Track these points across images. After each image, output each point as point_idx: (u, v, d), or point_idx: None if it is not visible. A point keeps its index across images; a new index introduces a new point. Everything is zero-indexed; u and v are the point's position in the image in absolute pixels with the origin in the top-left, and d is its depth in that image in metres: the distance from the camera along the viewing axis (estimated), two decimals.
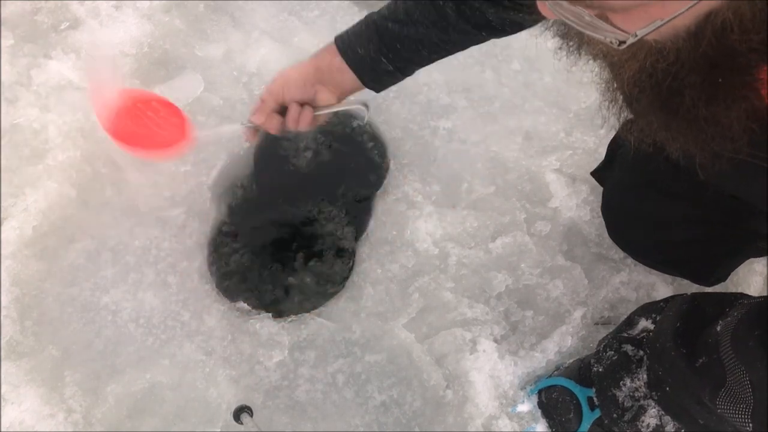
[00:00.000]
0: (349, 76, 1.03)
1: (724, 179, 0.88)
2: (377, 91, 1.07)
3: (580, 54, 0.72)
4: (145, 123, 1.12)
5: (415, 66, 1.04)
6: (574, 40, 0.72)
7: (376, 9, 1.63)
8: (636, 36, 0.56)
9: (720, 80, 0.61)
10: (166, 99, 1.16)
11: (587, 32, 0.59)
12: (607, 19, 0.56)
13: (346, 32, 1.02)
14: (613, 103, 0.74)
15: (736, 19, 0.55)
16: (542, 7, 0.60)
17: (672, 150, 0.72)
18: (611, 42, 0.58)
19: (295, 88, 1.04)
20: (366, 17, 1.01)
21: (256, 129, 1.10)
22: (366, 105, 1.07)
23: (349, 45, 1.01)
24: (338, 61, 1.02)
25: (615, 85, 0.71)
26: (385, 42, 0.99)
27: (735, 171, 0.77)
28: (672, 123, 0.68)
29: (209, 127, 1.17)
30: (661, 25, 0.55)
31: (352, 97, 1.08)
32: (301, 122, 1.05)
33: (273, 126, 1.07)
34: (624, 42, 0.57)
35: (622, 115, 0.73)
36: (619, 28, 0.56)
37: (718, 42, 0.57)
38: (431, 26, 0.96)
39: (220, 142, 1.41)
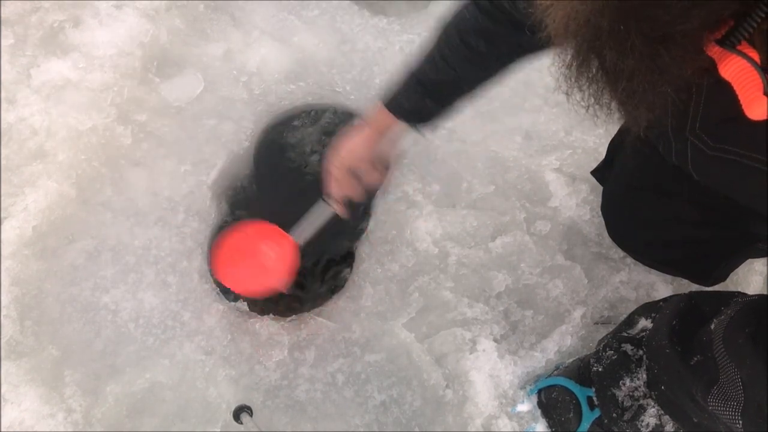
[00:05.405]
0: (403, 128, 1.11)
1: (716, 179, 0.88)
2: (432, 131, 1.14)
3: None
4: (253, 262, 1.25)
5: (459, 101, 1.09)
6: None
7: (375, 9, 1.64)
8: None
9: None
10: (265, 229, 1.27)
11: None
12: None
13: (391, 91, 1.09)
14: (563, 52, 0.70)
15: None
16: None
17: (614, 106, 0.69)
18: None
19: (362, 152, 1.14)
20: (406, 72, 1.07)
21: (342, 202, 1.20)
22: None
23: (396, 102, 1.09)
24: (391, 120, 1.10)
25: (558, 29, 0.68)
26: (428, 89, 1.05)
27: (726, 171, 0.77)
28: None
29: (304, 224, 1.24)
30: None
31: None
32: (377, 181, 1.17)
33: (352, 190, 1.17)
34: None
35: (573, 65, 0.69)
36: None
37: None
38: (469, 65, 1.02)
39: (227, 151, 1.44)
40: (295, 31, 1.59)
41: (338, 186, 1.17)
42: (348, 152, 1.15)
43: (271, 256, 1.23)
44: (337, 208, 1.20)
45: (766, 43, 0.57)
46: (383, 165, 1.18)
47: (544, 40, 0.63)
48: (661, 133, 0.85)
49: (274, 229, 1.25)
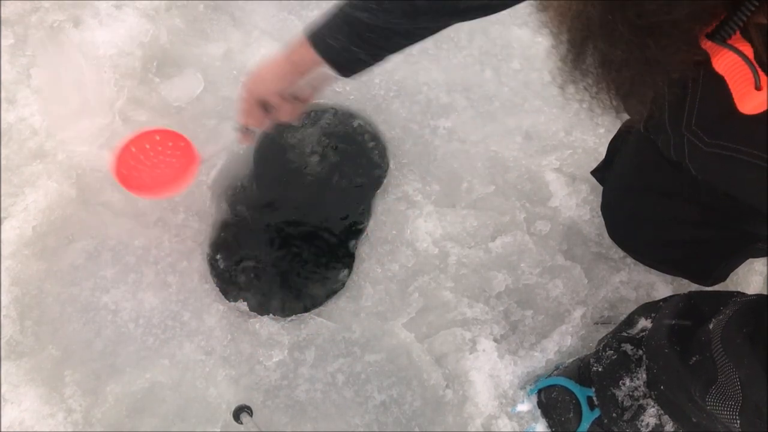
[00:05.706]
0: (322, 67, 1.04)
1: (715, 175, 0.88)
2: (350, 78, 1.08)
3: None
4: (151, 164, 1.20)
5: (387, 53, 1.04)
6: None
7: None
8: None
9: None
10: (166, 129, 1.23)
11: None
12: None
13: (317, 24, 1.03)
14: (559, 45, 0.69)
15: None
16: None
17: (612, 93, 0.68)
18: None
19: (272, 84, 1.07)
20: (337, 7, 1.01)
21: (248, 131, 1.16)
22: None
23: (320, 37, 1.02)
24: (311, 53, 1.02)
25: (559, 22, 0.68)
26: (356, 31, 0.99)
27: (725, 166, 0.77)
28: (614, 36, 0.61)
29: (213, 143, 1.23)
30: None
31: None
32: (287, 115, 1.12)
33: (258, 122, 1.12)
34: None
35: (568, 57, 0.69)
36: None
37: None
38: (401, 16, 0.97)
39: (227, 151, 1.42)
40: (295, 31, 1.58)
41: (243, 115, 1.12)
42: (257, 82, 1.09)
43: (174, 163, 1.20)
44: (238, 136, 1.16)
45: (761, 36, 0.57)
46: (297, 98, 1.11)
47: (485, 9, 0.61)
48: (659, 126, 0.85)
49: (181, 137, 1.22)
